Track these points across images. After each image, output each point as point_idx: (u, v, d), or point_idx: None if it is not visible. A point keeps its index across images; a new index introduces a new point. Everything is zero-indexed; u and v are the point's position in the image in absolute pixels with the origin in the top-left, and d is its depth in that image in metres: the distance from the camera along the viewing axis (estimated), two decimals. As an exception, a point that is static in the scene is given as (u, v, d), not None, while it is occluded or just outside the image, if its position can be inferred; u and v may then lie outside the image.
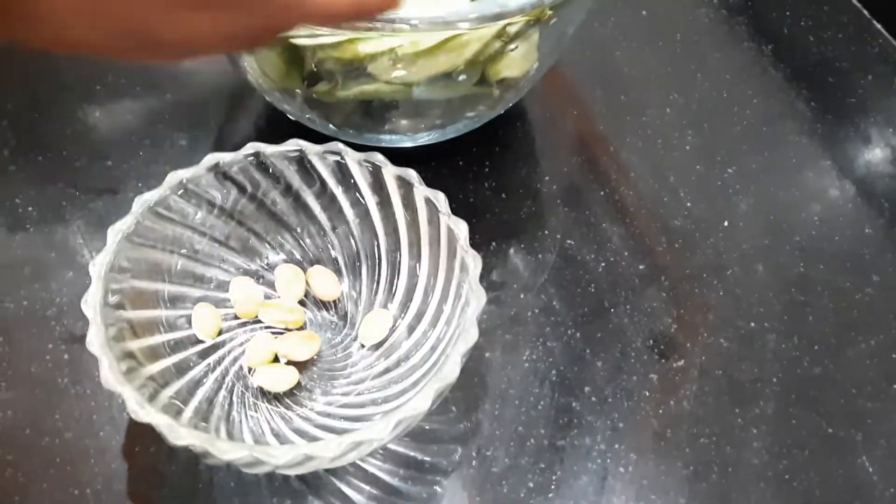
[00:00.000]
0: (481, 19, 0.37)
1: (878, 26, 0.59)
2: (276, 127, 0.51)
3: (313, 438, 0.38)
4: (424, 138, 0.49)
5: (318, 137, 0.48)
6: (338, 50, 0.41)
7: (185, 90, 0.52)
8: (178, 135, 0.50)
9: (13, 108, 0.51)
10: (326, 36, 0.40)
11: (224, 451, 0.32)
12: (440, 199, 0.39)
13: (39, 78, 0.53)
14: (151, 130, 0.51)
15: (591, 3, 0.45)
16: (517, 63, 0.45)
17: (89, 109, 0.52)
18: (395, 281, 0.43)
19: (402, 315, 0.42)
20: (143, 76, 0.53)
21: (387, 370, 0.41)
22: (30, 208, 0.47)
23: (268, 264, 0.44)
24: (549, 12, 0.41)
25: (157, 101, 0.52)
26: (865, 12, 0.60)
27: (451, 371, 0.34)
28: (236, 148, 0.47)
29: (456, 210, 0.39)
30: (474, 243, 0.38)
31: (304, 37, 0.40)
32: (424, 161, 0.47)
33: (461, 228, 0.38)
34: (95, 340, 0.34)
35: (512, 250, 0.47)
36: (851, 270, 0.47)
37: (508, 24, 0.41)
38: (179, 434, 0.32)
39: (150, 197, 0.39)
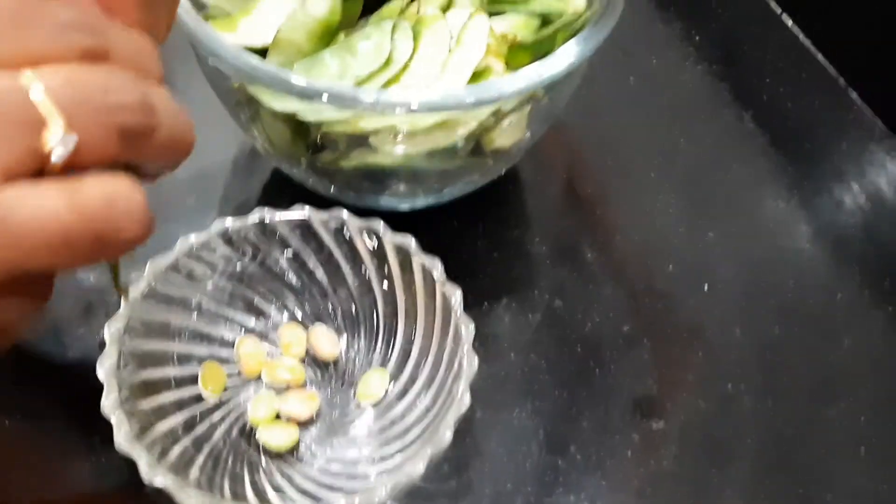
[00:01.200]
0: (478, 103, 0.40)
1: (854, 95, 0.62)
2: (280, 187, 0.53)
3: (314, 497, 0.40)
4: (421, 201, 0.51)
5: (319, 198, 0.50)
6: (342, 124, 0.44)
7: (195, 153, 0.55)
8: (186, 194, 0.53)
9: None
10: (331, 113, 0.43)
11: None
12: (437, 266, 0.42)
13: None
14: (158, 189, 0.53)
15: (580, 79, 0.48)
16: (510, 133, 0.48)
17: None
18: (392, 343, 0.45)
19: (399, 375, 0.44)
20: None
21: (382, 429, 0.43)
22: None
23: (271, 323, 0.46)
24: (542, 92, 0.44)
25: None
26: (841, 80, 0.63)
27: (444, 437, 0.36)
28: (242, 208, 0.50)
29: (450, 269, 0.41)
30: (467, 303, 0.40)
31: (310, 114, 0.43)
32: (421, 221, 0.50)
33: (456, 296, 0.41)
34: (110, 405, 0.36)
35: (503, 309, 0.49)
36: (824, 334, 0.49)
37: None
38: (189, 495, 0.34)
39: (162, 261, 0.42)
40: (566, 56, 0.42)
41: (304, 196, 0.50)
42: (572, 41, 0.42)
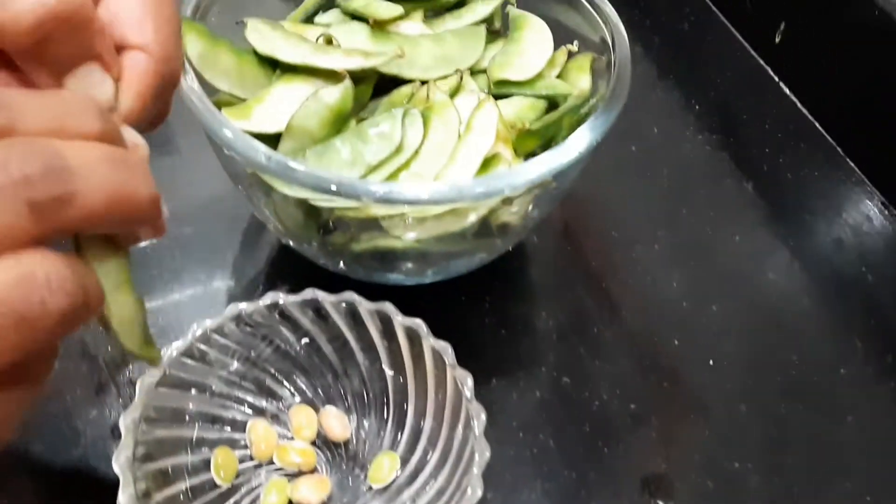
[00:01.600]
0: (488, 195, 0.41)
1: (852, 164, 0.63)
2: (289, 263, 0.54)
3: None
4: (429, 278, 0.52)
5: (327, 273, 0.51)
6: (353, 210, 0.44)
7: (205, 224, 0.55)
8: (196, 268, 0.53)
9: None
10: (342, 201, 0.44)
11: None
12: (447, 351, 0.42)
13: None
14: (171, 263, 0.54)
15: (586, 162, 0.49)
16: (517, 214, 0.49)
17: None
18: (402, 425, 0.45)
19: (409, 458, 0.45)
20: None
21: (394, 513, 0.43)
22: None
23: (283, 405, 0.46)
24: (551, 178, 0.45)
25: (176, 231, 0.55)
26: (840, 150, 0.64)
27: (457, 528, 0.37)
28: (252, 284, 0.50)
29: (457, 346, 0.42)
30: (476, 381, 0.41)
31: (322, 201, 0.43)
32: (429, 297, 0.51)
33: (468, 383, 0.41)
34: (126, 500, 0.36)
35: (511, 387, 0.50)
36: (828, 411, 0.50)
37: (512, 193, 0.44)
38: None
39: (176, 347, 0.42)
40: (576, 145, 0.42)
41: (311, 270, 0.51)
42: (582, 129, 0.43)
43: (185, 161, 0.59)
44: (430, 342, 0.43)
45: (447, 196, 0.40)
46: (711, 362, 0.52)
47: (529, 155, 0.50)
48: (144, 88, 0.29)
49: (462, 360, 0.41)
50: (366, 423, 0.46)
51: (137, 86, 0.28)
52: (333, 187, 0.40)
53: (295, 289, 0.52)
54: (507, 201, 0.45)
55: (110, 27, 0.28)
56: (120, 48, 0.29)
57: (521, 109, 0.49)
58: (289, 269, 0.54)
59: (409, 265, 0.50)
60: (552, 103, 0.51)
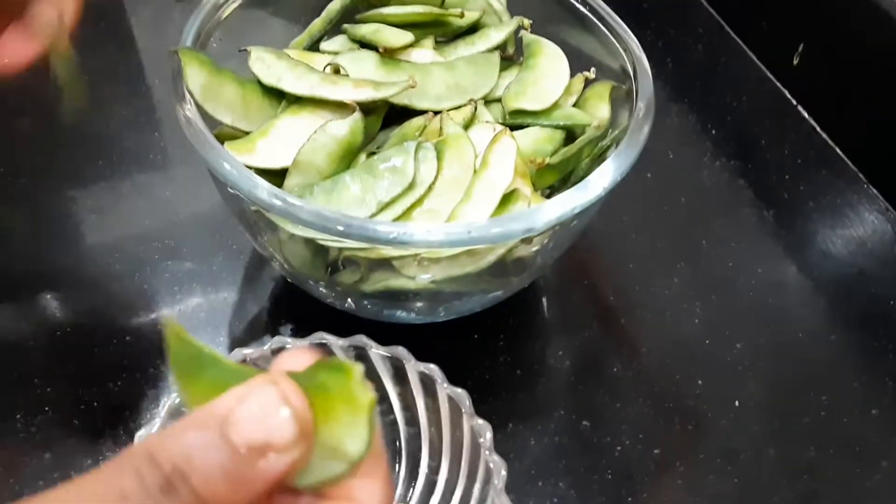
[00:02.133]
0: (506, 237, 0.38)
1: (874, 191, 0.61)
2: (294, 299, 0.52)
3: None
4: (441, 317, 0.49)
5: (334, 311, 0.49)
6: (364, 250, 0.42)
7: (205, 259, 0.53)
8: (196, 309, 0.51)
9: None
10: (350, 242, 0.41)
11: None
12: (464, 400, 0.40)
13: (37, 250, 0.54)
14: (171, 300, 0.51)
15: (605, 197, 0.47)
16: (535, 251, 0.46)
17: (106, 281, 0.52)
18: (416, 478, 0.43)
19: (424, 512, 0.42)
20: (162, 244, 0.54)
21: (409, 571, 0.41)
22: (48, 389, 0.47)
23: (289, 454, 0.44)
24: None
25: (176, 268, 0.53)
26: (861, 176, 0.62)
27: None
28: (255, 323, 0.48)
29: (471, 388, 0.39)
30: (492, 426, 0.38)
31: (330, 242, 0.41)
32: (440, 335, 0.48)
33: (486, 436, 0.39)
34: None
35: (529, 432, 0.48)
36: (860, 455, 0.48)
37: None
38: None
39: (174, 400, 0.40)
40: (600, 182, 0.40)
41: (317, 307, 0.49)
42: (605, 165, 0.41)
43: (185, 192, 0.57)
44: (446, 390, 0.41)
45: (463, 239, 0.38)
46: (737, 403, 0.49)
47: (547, 188, 0.48)
48: None
49: (477, 404, 0.39)
50: (377, 474, 0.44)
51: None
52: (341, 228, 0.37)
53: (299, 328, 0.50)
54: (527, 240, 0.43)
55: None
56: None
57: (538, 141, 0.47)
58: (293, 307, 0.52)
59: (421, 304, 0.48)
60: (570, 133, 0.48)
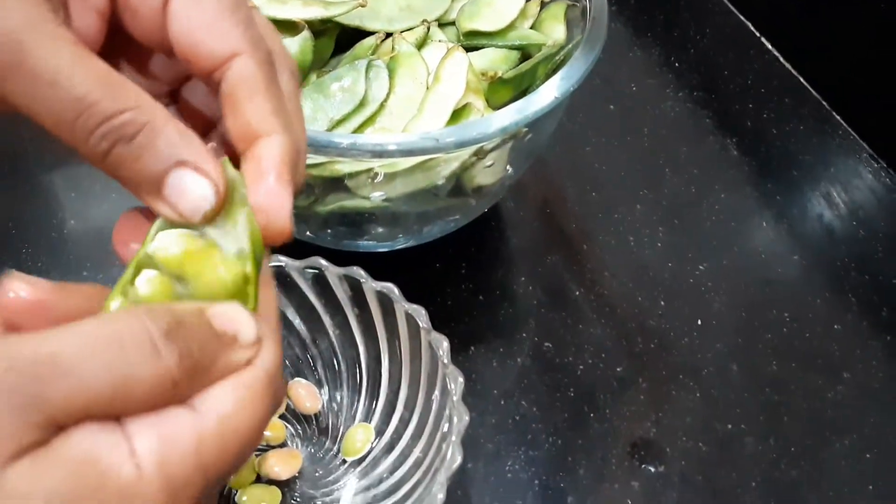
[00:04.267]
0: (459, 145, 0.38)
1: (838, 117, 0.61)
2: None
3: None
4: (401, 244, 0.49)
5: (294, 242, 0.48)
6: (317, 168, 0.42)
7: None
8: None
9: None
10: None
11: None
12: (421, 314, 0.40)
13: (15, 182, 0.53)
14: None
15: (562, 112, 0.46)
16: (492, 171, 0.46)
17: (63, 217, 0.52)
18: (376, 395, 0.43)
19: (384, 429, 0.42)
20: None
21: (369, 487, 0.41)
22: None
23: (248, 379, 0.44)
24: (525, 129, 0.42)
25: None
26: (825, 104, 0.62)
27: (436, 498, 0.34)
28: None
29: (434, 314, 0.39)
30: (453, 348, 0.38)
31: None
32: (402, 264, 0.48)
33: (444, 347, 0.39)
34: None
35: (491, 354, 0.47)
36: (823, 368, 0.48)
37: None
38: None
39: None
40: (549, 92, 0.40)
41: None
42: (556, 77, 0.41)
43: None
44: (403, 306, 0.40)
45: (415, 146, 0.38)
46: (700, 322, 0.49)
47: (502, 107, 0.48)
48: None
49: (439, 328, 0.39)
50: (338, 395, 0.44)
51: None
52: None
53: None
54: (481, 154, 0.42)
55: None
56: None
57: (494, 61, 0.47)
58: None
59: (380, 229, 0.47)
60: (526, 55, 0.48)
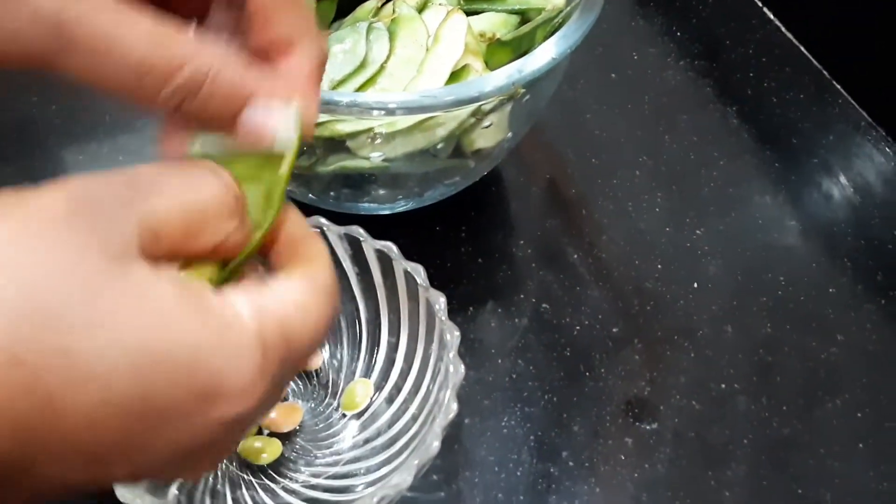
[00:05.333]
0: (457, 103, 0.39)
1: (838, 86, 0.61)
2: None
3: (297, 512, 0.39)
4: (402, 206, 0.50)
5: (295, 204, 0.49)
6: (318, 128, 0.42)
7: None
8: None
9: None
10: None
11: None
12: (419, 272, 0.41)
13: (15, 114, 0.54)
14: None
15: (561, 76, 0.47)
16: (491, 134, 0.47)
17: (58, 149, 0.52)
18: (376, 351, 0.44)
19: (383, 385, 0.43)
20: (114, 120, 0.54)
21: (368, 440, 0.42)
22: None
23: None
24: (522, 90, 0.43)
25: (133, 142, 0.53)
26: (826, 73, 0.62)
27: (431, 446, 0.35)
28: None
29: (433, 276, 0.40)
30: (452, 308, 0.39)
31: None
32: (402, 226, 0.49)
33: (440, 302, 0.40)
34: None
35: (489, 315, 0.48)
36: (817, 330, 0.48)
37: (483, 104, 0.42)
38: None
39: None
40: (546, 52, 0.40)
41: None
42: (553, 38, 0.41)
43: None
44: (402, 264, 0.41)
45: (415, 104, 0.38)
46: (696, 285, 0.50)
47: (502, 70, 0.48)
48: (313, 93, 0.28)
49: (438, 289, 0.39)
50: (338, 351, 0.45)
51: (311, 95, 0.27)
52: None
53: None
54: (479, 114, 0.43)
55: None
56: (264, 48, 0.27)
57: (493, 24, 0.47)
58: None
59: (381, 191, 0.48)
60: (525, 19, 0.48)
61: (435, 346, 0.40)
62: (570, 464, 0.43)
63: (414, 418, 0.40)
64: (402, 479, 0.34)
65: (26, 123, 0.56)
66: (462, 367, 0.37)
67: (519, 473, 0.42)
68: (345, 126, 0.42)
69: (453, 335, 0.38)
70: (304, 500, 0.40)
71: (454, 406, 0.36)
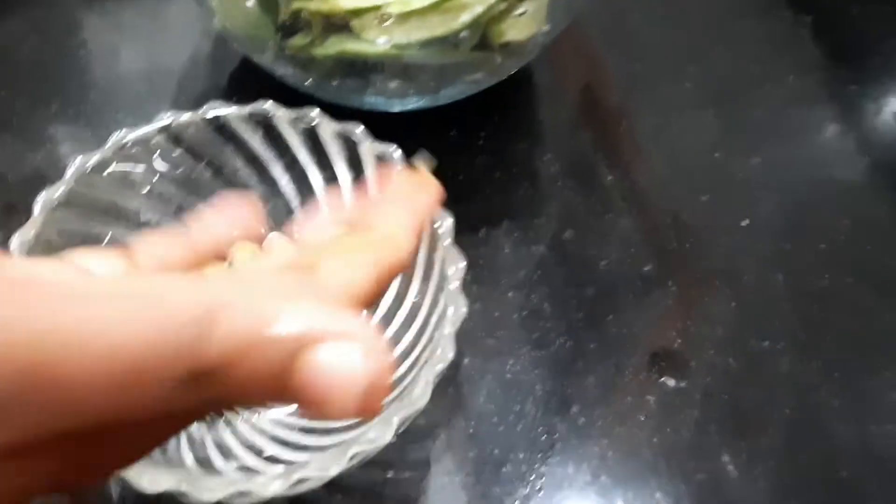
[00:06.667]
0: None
1: (930, 2, 0.53)
2: (248, 81, 0.45)
3: (260, 453, 0.34)
4: (413, 103, 0.43)
5: (292, 95, 0.42)
6: (316, 2, 0.35)
7: (152, 30, 0.46)
8: (135, 81, 0.45)
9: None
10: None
11: (150, 482, 0.27)
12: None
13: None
14: (105, 72, 0.45)
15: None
16: (524, 25, 0.40)
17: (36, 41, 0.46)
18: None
19: (372, 312, 0.37)
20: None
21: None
22: None
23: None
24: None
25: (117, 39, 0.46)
26: (917, -15, 0.54)
27: (419, 397, 0.29)
28: (198, 102, 0.41)
29: (443, 188, 0.33)
30: (460, 228, 0.33)
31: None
32: (411, 128, 0.42)
33: (446, 223, 0.33)
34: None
35: (503, 238, 0.42)
36: (881, 286, 0.42)
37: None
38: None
39: (87, 160, 0.34)
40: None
41: (275, 92, 0.42)
42: None
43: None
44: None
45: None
46: (746, 223, 0.43)
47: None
48: None
49: (445, 206, 0.33)
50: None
51: None
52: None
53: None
54: (511, 0, 0.36)
55: None
56: None
57: None
58: (247, 90, 0.45)
59: (389, 84, 0.41)
60: None
61: (435, 274, 0.34)
62: (581, 420, 0.37)
63: (404, 355, 0.35)
64: (380, 435, 0.29)
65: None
66: (464, 307, 0.31)
67: (520, 427, 0.37)
68: (347, 1, 0.35)
69: (457, 266, 0.32)
70: (271, 440, 0.34)
71: (450, 353, 0.30)
